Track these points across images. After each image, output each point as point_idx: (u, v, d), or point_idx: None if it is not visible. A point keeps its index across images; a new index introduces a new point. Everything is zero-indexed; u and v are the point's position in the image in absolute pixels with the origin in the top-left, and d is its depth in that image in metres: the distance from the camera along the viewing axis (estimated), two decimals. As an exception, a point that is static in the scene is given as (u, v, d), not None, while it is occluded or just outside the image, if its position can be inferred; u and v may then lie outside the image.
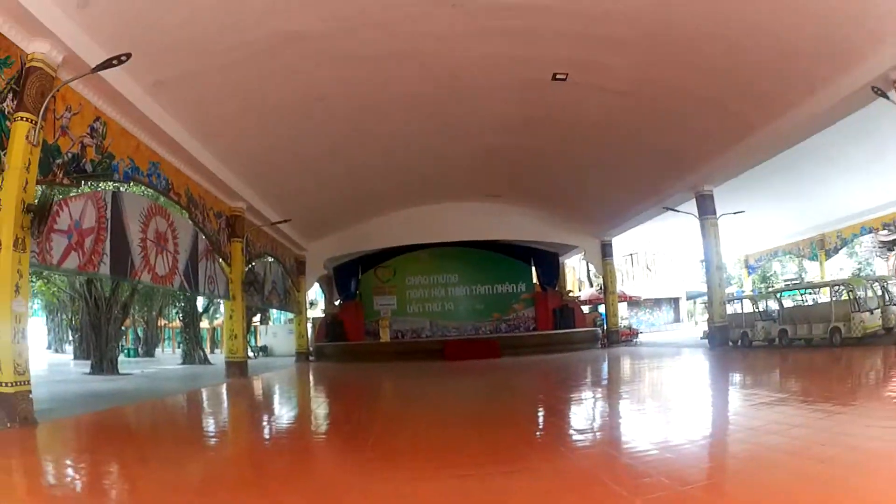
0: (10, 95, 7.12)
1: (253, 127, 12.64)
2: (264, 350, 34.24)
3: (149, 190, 11.95)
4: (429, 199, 21.52)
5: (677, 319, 44.62)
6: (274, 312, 39.13)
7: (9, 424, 6.50)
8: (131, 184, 11.42)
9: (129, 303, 20.71)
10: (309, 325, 25.68)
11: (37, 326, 43.68)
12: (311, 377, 16.26)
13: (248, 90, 11.09)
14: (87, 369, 18.34)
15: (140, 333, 36.95)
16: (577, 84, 12.05)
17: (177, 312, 28.17)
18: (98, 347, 18.07)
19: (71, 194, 8.84)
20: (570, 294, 27.06)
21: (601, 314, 25.90)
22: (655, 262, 44.01)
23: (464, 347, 20.19)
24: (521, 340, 21.65)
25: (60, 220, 7.98)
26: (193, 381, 15.10)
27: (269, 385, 13.71)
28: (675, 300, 44.83)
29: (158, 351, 38.84)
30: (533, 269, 25.52)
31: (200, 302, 25.88)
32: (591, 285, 31.33)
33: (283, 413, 8.79)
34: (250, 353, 31.47)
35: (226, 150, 12.97)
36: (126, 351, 35.41)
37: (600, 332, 24.07)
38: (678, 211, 18.17)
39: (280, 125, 13.00)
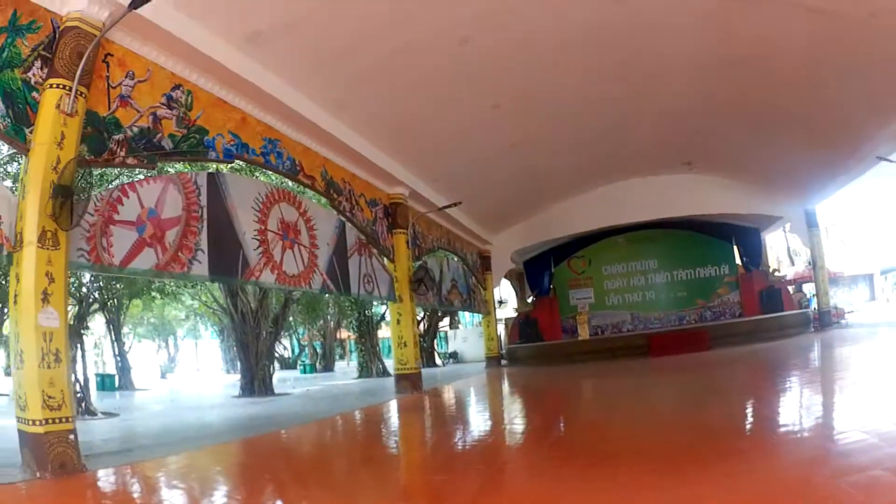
0: (39, 63, 5.86)
1: (392, 89, 10.61)
2: (454, 356, 33.59)
3: (270, 173, 10.71)
4: (615, 174, 19.08)
5: (872, 297, 41.18)
6: (466, 316, 38.12)
7: (38, 474, 5.12)
8: (239, 164, 10.15)
9: (282, 315, 20.10)
10: (500, 327, 24.33)
11: (211, 349, 46.55)
12: (499, 386, 14.18)
13: (373, 34, 8.99)
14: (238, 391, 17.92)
15: (318, 348, 37.98)
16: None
17: (350, 322, 28.05)
18: (248, 366, 17.50)
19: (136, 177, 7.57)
20: (776, 273, 24.19)
21: (805, 294, 24.14)
22: (849, 235, 39.33)
23: (670, 341, 18.75)
24: (728, 329, 19.86)
25: (125, 207, 6.63)
26: (355, 399, 13.71)
27: (443, 402, 11.66)
28: (870, 276, 41.55)
29: (343, 365, 39.63)
30: (735, 248, 22.90)
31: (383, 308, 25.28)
32: (792, 262, 28.34)
33: (448, 455, 6.35)
34: (438, 361, 31.21)
35: (365, 121, 11.15)
36: (303, 367, 36.91)
37: (811, 313, 21.28)
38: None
39: (427, 85, 10.83)
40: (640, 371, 13.81)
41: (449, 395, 12.80)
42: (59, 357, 5.38)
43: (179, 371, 45.30)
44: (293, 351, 45.21)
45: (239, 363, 19.49)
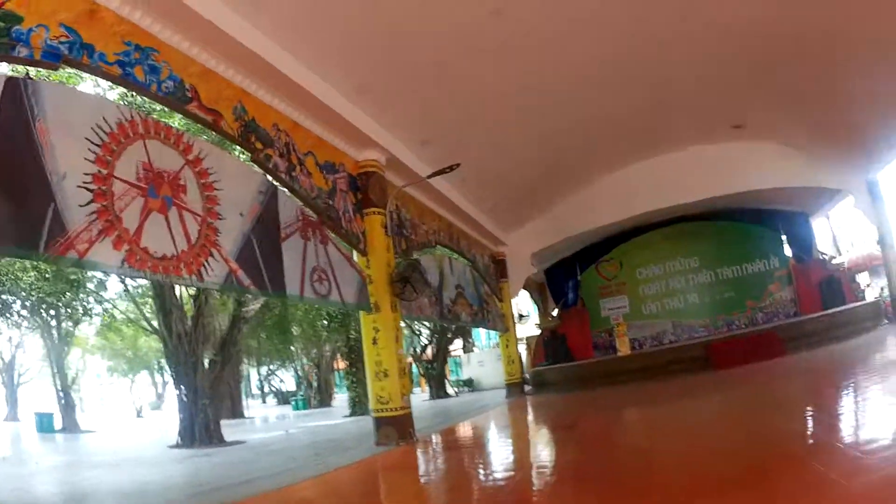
0: None
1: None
2: (469, 384, 32.04)
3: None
4: (646, 148, 16.70)
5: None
6: (482, 337, 35.30)
7: None
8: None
9: (232, 338, 16.48)
10: (521, 347, 22.29)
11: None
12: (524, 426, 11.41)
13: None
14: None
15: (314, 380, 36.06)
16: None
17: (338, 346, 25.28)
18: (185, 407, 14.30)
19: None
20: (833, 261, 22.46)
21: (859, 284, 22.73)
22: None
23: (736, 348, 16.48)
24: (799, 328, 17.47)
25: None
26: (315, 456, 10.48)
27: (440, 464, 8.41)
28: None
29: (345, 398, 37.34)
30: (783, 237, 21.38)
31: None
32: (839, 252, 26.11)
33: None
34: (451, 391, 29.21)
35: (302, 32, 8.15)
36: (294, 403, 34.41)
37: (882, 304, 19.68)
38: None
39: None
40: (711, 389, 11.73)
41: (451, 446, 9.60)
42: None
43: (167, 408, 43.63)
44: (297, 384, 43.50)
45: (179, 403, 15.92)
